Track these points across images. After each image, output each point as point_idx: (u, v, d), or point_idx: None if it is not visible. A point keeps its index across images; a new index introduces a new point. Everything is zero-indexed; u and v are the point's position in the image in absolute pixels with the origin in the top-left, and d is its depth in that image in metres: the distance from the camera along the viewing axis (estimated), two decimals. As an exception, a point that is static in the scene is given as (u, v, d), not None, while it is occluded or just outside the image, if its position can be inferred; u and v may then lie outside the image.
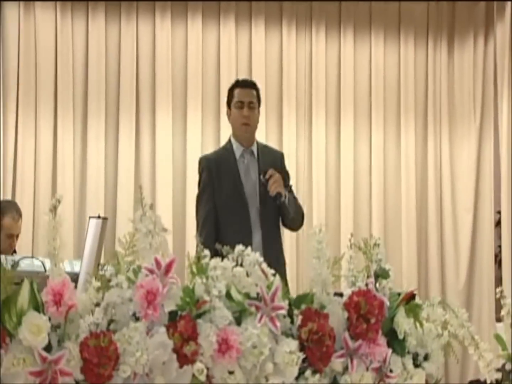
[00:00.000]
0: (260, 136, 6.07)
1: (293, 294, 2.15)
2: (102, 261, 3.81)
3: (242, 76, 6.50)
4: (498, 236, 6.86)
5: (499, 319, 6.30)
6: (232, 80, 6.42)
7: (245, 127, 3.97)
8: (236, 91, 4.06)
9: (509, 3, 6.55)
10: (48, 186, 6.12)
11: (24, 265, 3.58)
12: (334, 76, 6.71)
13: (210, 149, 6.44)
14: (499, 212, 6.87)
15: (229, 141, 4.14)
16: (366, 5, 6.79)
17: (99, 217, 3.72)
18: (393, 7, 6.84)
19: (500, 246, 6.79)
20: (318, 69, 6.64)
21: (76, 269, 3.49)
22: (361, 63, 6.76)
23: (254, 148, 4.06)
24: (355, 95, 6.71)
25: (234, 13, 6.54)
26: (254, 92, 4.09)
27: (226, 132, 6.38)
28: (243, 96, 4.03)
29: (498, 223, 6.91)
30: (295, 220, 4.01)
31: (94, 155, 6.27)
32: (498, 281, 6.79)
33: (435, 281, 6.70)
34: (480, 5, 6.98)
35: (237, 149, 4.06)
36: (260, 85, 6.35)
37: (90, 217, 3.70)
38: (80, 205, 6.16)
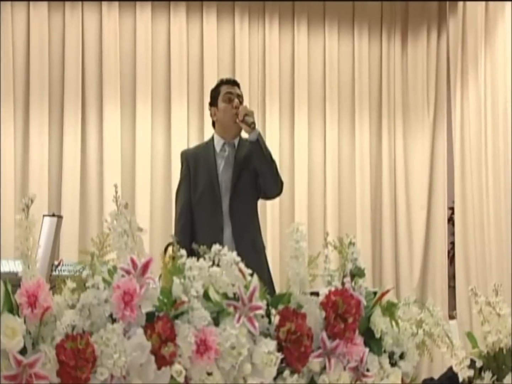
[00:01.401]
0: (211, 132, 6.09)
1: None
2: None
3: (193, 68, 6.54)
4: (450, 233, 7.02)
5: (451, 317, 6.49)
6: (183, 72, 6.50)
7: (236, 117, 4.03)
8: (223, 87, 4.17)
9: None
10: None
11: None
12: (287, 69, 6.78)
13: (160, 143, 6.47)
14: (450, 208, 7.04)
15: (212, 137, 4.20)
16: (320, -2, 6.89)
17: (53, 215, 3.73)
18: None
19: (452, 243, 6.95)
20: (272, 62, 6.71)
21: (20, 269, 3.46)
22: (315, 56, 6.84)
23: (236, 141, 4.13)
24: (309, 89, 6.79)
25: (185, 3, 6.55)
26: (239, 91, 4.20)
27: (177, 125, 6.44)
28: (232, 89, 4.13)
29: (449, 219, 7.08)
30: (272, 172, 3.99)
31: (36, 150, 6.21)
32: (451, 278, 6.96)
33: (389, 278, 6.81)
34: (433, 0, 7.16)
35: (218, 143, 4.14)
36: (211, 78, 6.42)
37: (44, 215, 3.70)
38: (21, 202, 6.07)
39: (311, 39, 6.84)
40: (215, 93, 4.20)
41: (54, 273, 3.83)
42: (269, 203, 6.35)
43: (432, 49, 7.10)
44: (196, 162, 4.14)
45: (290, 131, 6.76)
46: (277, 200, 6.36)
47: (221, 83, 4.23)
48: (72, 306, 2.02)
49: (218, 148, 4.14)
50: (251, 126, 3.96)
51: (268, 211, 6.46)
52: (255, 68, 6.68)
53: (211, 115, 4.22)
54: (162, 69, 6.52)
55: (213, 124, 4.23)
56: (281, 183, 4.09)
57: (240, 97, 4.16)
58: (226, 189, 4.05)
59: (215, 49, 6.59)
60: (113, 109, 6.34)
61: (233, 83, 4.23)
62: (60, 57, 6.34)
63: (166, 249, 5.67)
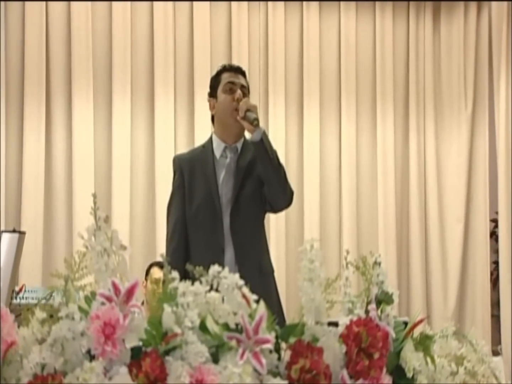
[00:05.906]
0: (203, 130, 6.11)
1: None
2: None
3: (181, 53, 6.55)
4: (493, 250, 7.03)
5: (496, 352, 6.50)
6: (169, 59, 6.52)
7: (237, 112, 4.06)
8: (225, 75, 4.20)
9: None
10: None
11: None
12: (295, 53, 6.81)
13: (141, 144, 6.49)
14: (493, 221, 7.05)
15: (210, 138, 4.22)
16: (333, -34, 6.92)
17: (14, 231, 3.75)
18: (366, -32, 6.99)
19: (495, 262, 6.96)
20: (276, 44, 6.73)
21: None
22: (328, 38, 6.87)
23: (240, 144, 4.15)
24: (320, 78, 6.81)
25: (171, -26, 6.60)
26: (244, 81, 4.23)
27: (162, 122, 6.45)
28: (234, 78, 4.16)
29: (492, 234, 7.09)
30: (279, 178, 4.02)
31: (-11, 153, 6.24)
32: (494, 306, 6.96)
33: (418, 306, 6.82)
34: (472, -34, 7.18)
35: (218, 147, 4.15)
36: (203, 65, 6.45)
37: (2, 231, 3.72)
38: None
39: (323, 17, 6.86)
40: (215, 82, 4.23)
41: (14, 301, 3.85)
42: (273, 216, 6.37)
43: (471, 28, 7.13)
44: (191, 170, 4.15)
45: (298, 129, 6.78)
46: (282, 212, 6.40)
47: (223, 70, 4.26)
48: (42, 341, 2.04)
49: (218, 153, 4.16)
50: (254, 123, 3.99)
51: (272, 226, 6.47)
52: (255, 52, 6.71)
53: (210, 107, 4.25)
54: (143, 53, 6.54)
55: (212, 119, 4.26)
56: (291, 192, 4.12)
57: (244, 88, 4.19)
58: (228, 202, 4.07)
59: (207, 29, 6.61)
60: (84, 102, 6.36)
61: (237, 70, 4.26)
62: (20, 39, 6.36)
63: (148, 271, 5.69)
